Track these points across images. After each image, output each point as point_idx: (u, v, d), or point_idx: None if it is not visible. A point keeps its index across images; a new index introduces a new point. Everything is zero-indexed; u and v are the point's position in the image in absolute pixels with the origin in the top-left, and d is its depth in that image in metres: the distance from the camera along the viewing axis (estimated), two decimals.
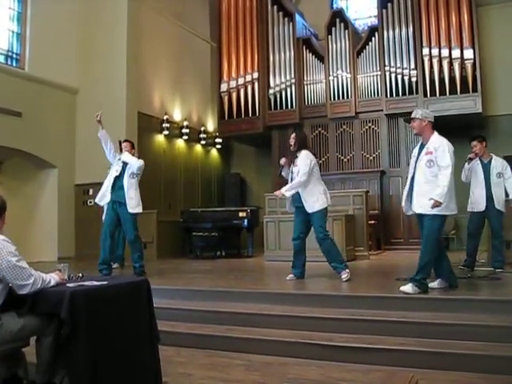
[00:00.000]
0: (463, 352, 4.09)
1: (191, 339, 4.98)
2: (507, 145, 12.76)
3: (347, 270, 6.59)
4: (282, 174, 7.08)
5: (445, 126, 13.02)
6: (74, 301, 3.02)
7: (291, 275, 6.81)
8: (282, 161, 7.03)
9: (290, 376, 4.03)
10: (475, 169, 7.57)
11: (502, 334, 4.27)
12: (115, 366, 3.28)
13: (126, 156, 7.69)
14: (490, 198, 7.31)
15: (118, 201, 7.55)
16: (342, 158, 13.18)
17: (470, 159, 7.57)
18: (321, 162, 13.27)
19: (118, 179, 7.60)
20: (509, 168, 7.43)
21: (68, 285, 3.31)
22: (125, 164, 7.64)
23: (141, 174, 7.76)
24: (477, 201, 7.50)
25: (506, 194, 7.35)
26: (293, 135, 6.99)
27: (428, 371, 3.96)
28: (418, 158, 5.68)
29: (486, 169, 7.41)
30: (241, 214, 11.67)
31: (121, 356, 3.33)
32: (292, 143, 6.92)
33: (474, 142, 7.58)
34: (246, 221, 11.53)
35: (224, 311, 5.47)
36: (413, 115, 5.89)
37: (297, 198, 6.74)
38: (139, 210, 7.61)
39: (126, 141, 8.08)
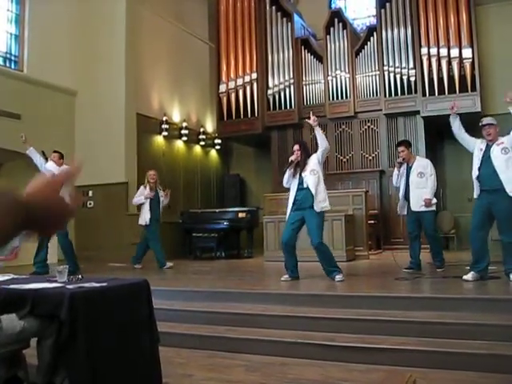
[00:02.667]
0: (465, 351, 4.08)
1: (191, 340, 4.98)
2: None
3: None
4: (287, 172, 7.03)
5: (443, 125, 13.11)
6: (73, 302, 3.02)
7: (286, 276, 6.85)
8: (293, 157, 6.97)
9: (291, 376, 4.03)
10: (404, 173, 7.76)
11: (504, 332, 4.27)
12: (115, 367, 3.28)
13: (49, 165, 8.37)
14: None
15: None
16: (342, 157, 13.18)
17: (400, 164, 7.67)
18: None
19: None
20: (430, 167, 7.60)
21: (68, 286, 3.31)
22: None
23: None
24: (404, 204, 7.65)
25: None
26: (296, 146, 7.02)
27: (430, 370, 3.96)
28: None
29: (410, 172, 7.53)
30: (240, 215, 11.68)
31: (121, 357, 3.33)
32: (299, 154, 6.90)
33: (401, 148, 7.67)
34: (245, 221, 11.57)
35: (224, 312, 5.47)
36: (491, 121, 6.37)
37: (305, 198, 6.77)
38: None
39: (54, 151, 8.73)
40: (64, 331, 3.03)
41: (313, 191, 6.68)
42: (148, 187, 9.48)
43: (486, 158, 6.19)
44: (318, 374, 4.06)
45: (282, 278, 6.80)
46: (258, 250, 11.28)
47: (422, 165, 7.63)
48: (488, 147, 6.23)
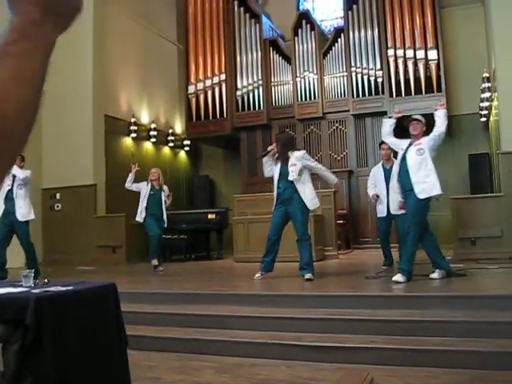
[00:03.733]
0: (430, 348, 4.15)
1: (160, 343, 4.96)
2: (471, 143, 13.00)
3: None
4: (264, 160, 7.06)
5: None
6: (39, 307, 2.99)
7: (259, 274, 6.86)
8: (271, 147, 7.01)
9: (260, 377, 4.04)
10: (377, 175, 7.96)
11: (467, 329, 4.34)
12: (83, 372, 3.25)
13: (14, 169, 8.17)
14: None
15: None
16: None
17: (376, 198, 7.93)
18: None
19: (10, 192, 8.11)
20: None
21: (33, 291, 3.27)
22: (13, 176, 8.07)
23: (28, 183, 8.30)
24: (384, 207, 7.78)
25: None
26: (273, 145, 7.07)
27: (397, 368, 4.02)
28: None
29: (389, 174, 7.55)
30: (210, 216, 11.67)
31: (88, 362, 3.30)
32: (278, 150, 6.93)
33: (385, 146, 7.77)
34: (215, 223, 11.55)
35: (193, 314, 5.46)
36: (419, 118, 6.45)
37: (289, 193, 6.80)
38: (31, 217, 8.29)
39: None
40: (29, 336, 3.00)
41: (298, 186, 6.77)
42: (150, 184, 9.39)
43: (403, 159, 6.24)
44: (287, 373, 4.08)
45: (256, 277, 6.82)
46: (227, 251, 11.28)
47: None
48: (408, 147, 6.27)
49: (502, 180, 8.82)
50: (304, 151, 7.12)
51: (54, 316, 3.07)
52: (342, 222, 11.34)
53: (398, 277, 5.92)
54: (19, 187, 8.08)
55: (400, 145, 6.47)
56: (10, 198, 8.03)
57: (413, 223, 6.09)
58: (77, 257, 10.82)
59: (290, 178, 6.70)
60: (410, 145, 6.25)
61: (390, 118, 6.93)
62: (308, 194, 6.76)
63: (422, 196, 6.01)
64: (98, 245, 11.52)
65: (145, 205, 9.22)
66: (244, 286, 6.64)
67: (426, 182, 6.05)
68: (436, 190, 6.09)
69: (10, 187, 8.03)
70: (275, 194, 6.91)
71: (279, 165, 6.87)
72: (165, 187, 9.54)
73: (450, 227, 9.19)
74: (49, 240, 11.79)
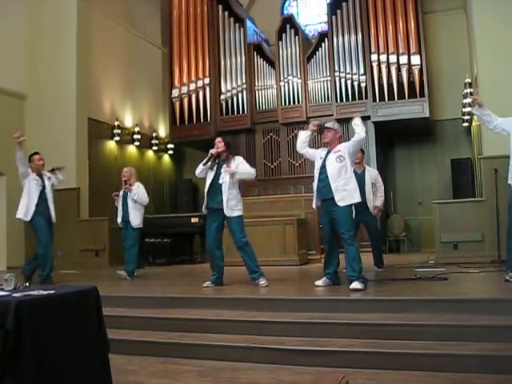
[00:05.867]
0: (410, 351, 4.17)
1: (143, 347, 4.94)
2: (453, 148, 13.15)
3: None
4: (203, 166, 6.88)
5: (394, 130, 13.39)
6: (19, 311, 2.97)
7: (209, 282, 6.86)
8: (213, 150, 6.85)
9: (242, 381, 4.05)
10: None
11: (446, 332, 4.38)
12: (64, 376, 3.23)
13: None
14: (364, 204, 7.47)
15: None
16: (294, 162, 13.30)
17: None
18: (272, 166, 13.41)
19: (42, 192, 8.01)
20: (379, 177, 8.02)
21: (14, 294, 3.25)
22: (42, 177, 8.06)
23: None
24: None
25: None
26: (219, 139, 7.01)
27: (377, 371, 4.04)
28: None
29: (362, 179, 7.61)
30: (193, 220, 11.65)
31: (70, 366, 3.28)
32: (221, 148, 6.86)
33: (359, 153, 7.78)
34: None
35: (176, 317, 5.45)
36: (330, 125, 6.32)
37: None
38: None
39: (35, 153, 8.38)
40: (10, 341, 2.98)
41: (224, 192, 6.70)
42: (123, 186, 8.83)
43: (323, 166, 6.13)
44: (269, 377, 4.08)
45: (205, 284, 6.83)
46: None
47: (373, 176, 7.94)
48: (326, 155, 6.17)
49: (484, 185, 8.91)
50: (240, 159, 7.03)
51: (35, 320, 3.05)
52: None
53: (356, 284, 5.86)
54: (51, 190, 8.15)
55: (316, 154, 6.35)
56: (43, 199, 7.99)
57: (345, 229, 5.98)
58: (60, 260, 10.73)
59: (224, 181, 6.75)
60: (329, 152, 6.16)
61: (304, 130, 6.80)
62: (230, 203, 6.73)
63: (341, 204, 5.91)
64: (81, 248, 11.47)
65: (121, 208, 8.81)
66: (226, 289, 6.64)
67: (346, 190, 5.97)
68: (356, 198, 6.02)
69: (41, 188, 7.98)
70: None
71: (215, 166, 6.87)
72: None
73: (433, 231, 9.27)
74: (31, 244, 11.67)
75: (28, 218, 7.92)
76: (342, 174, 5.99)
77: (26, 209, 7.89)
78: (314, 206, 6.41)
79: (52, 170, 8.23)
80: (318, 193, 6.20)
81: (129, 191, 8.63)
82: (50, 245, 8.05)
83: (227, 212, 6.65)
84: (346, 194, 5.97)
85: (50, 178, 8.19)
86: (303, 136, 6.57)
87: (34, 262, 8.20)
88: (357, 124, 6.13)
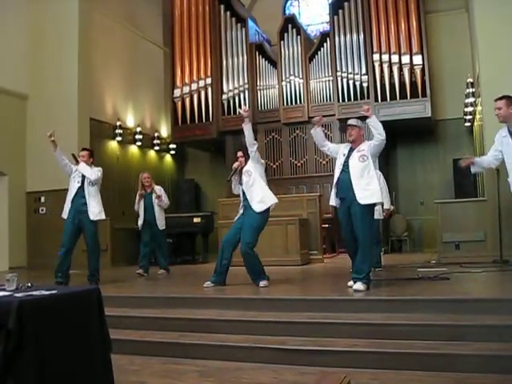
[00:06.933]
0: (412, 351, 4.17)
1: (145, 347, 4.95)
2: (455, 148, 13.12)
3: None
4: (232, 180, 7.01)
5: (395, 130, 13.39)
6: (21, 311, 2.96)
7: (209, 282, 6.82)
8: (236, 164, 6.99)
9: (244, 381, 4.05)
10: None
11: (449, 332, 4.37)
12: (66, 377, 3.23)
13: (83, 167, 7.75)
14: None
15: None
16: (296, 162, 13.29)
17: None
18: (274, 166, 13.39)
19: (81, 189, 7.74)
20: (382, 178, 7.71)
21: (16, 295, 3.25)
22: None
23: (99, 181, 7.91)
24: None
25: None
26: (240, 153, 7.08)
27: (380, 371, 4.03)
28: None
29: None
30: (195, 220, 11.65)
31: (71, 366, 3.28)
32: (242, 161, 6.96)
33: None
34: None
35: (178, 317, 5.45)
36: (354, 123, 6.15)
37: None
38: (101, 217, 7.91)
39: (84, 149, 8.16)
40: (12, 341, 2.97)
41: (246, 192, 6.73)
42: (142, 190, 9.16)
43: (346, 165, 6.01)
44: (272, 377, 4.08)
45: (205, 284, 6.78)
46: (212, 255, 11.24)
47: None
48: (350, 152, 6.05)
49: (486, 184, 8.90)
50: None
51: (37, 320, 3.04)
52: (327, 225, 11.36)
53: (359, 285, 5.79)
54: (90, 184, 7.74)
55: (339, 150, 6.24)
56: (80, 196, 7.71)
57: (362, 230, 5.83)
58: None
59: (244, 186, 6.82)
60: (352, 150, 6.05)
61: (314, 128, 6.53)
62: (255, 197, 6.72)
63: (362, 202, 5.79)
64: (83, 248, 11.44)
65: (143, 212, 9.20)
66: (228, 289, 6.63)
67: (368, 190, 5.84)
68: (377, 199, 5.92)
69: (80, 184, 7.72)
70: (241, 205, 6.89)
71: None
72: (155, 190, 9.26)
73: (435, 231, 9.25)
74: (33, 244, 11.71)
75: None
76: (365, 173, 5.86)
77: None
78: (331, 203, 6.31)
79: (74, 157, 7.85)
80: (338, 190, 6.11)
81: (155, 194, 9.08)
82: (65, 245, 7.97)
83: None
84: (368, 193, 5.83)
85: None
86: (314, 133, 6.47)
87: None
88: (373, 125, 5.93)
